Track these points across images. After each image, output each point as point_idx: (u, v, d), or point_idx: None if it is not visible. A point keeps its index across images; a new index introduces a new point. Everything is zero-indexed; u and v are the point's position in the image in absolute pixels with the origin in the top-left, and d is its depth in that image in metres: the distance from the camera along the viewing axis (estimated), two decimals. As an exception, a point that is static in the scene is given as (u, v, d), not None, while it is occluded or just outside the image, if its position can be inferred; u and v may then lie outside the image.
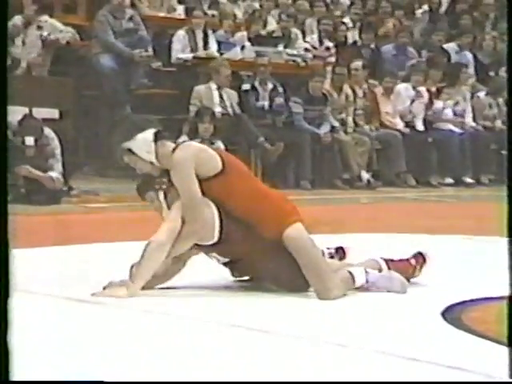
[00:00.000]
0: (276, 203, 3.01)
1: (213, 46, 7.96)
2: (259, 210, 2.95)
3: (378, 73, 8.74)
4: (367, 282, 3.02)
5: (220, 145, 6.54)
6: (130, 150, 2.96)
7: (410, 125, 8.71)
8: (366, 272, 3.04)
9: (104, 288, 2.90)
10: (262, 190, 3.05)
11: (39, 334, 2.37)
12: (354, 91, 8.38)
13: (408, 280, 3.15)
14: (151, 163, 2.96)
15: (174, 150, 2.94)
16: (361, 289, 3.02)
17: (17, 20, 6.68)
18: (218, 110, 7.21)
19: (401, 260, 3.25)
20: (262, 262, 2.96)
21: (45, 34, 6.69)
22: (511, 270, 1.22)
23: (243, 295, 2.99)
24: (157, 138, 2.95)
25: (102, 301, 2.80)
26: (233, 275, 3.12)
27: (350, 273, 3.01)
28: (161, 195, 2.98)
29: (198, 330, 2.51)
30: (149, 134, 2.95)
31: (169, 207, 2.97)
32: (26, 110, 5.96)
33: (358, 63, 8.43)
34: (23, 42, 6.65)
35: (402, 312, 2.82)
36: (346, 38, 9.21)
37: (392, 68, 9.05)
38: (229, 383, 1.97)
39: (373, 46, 9.26)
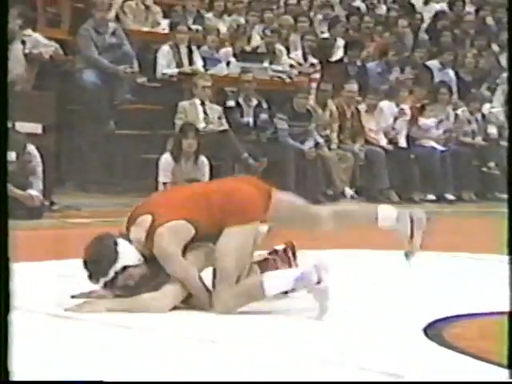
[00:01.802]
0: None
1: (198, 62, 7.99)
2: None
3: (362, 90, 8.80)
4: (292, 290, 2.91)
5: (204, 160, 6.55)
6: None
7: (393, 141, 8.77)
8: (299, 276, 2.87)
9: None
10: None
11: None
12: (343, 110, 8.43)
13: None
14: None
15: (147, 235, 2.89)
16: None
17: None
18: (202, 125, 7.22)
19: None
20: None
21: (28, 48, 6.66)
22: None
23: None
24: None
25: (87, 317, 2.79)
26: None
27: (261, 282, 2.88)
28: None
29: (181, 346, 2.50)
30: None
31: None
32: (8, 124, 5.92)
33: (353, 85, 8.47)
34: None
35: (383, 328, 2.82)
36: (331, 54, 9.26)
37: (376, 85, 9.12)
38: (226, 383, 1.96)
39: (359, 63, 9.32)
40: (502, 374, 1.95)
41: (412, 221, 3.10)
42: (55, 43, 6.88)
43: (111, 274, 2.88)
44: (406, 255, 3.09)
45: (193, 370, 2.21)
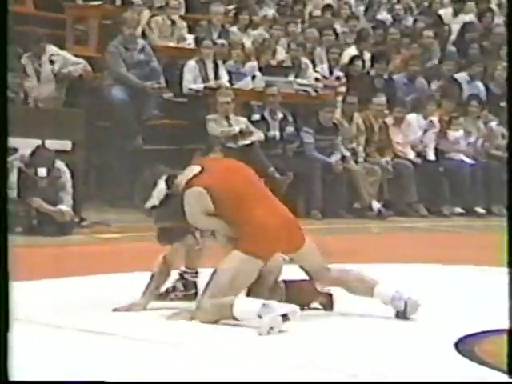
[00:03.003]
0: (251, 227, 3.18)
1: (223, 77, 8.06)
2: (238, 229, 3.20)
3: (389, 103, 8.80)
4: (259, 316, 3.02)
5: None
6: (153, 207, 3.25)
7: (421, 154, 8.75)
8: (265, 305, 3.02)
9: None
10: (244, 212, 3.20)
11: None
12: (370, 123, 8.44)
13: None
14: None
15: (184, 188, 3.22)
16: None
17: (24, 59, 6.78)
18: (236, 136, 7.28)
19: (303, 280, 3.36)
20: None
21: (57, 67, 6.79)
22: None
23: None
24: (168, 183, 3.25)
25: (106, 331, 2.84)
26: None
27: (232, 305, 3.07)
28: (196, 234, 3.31)
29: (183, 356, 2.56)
30: (161, 183, 3.24)
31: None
32: (38, 142, 6.06)
33: (381, 99, 8.50)
34: (38, 78, 6.76)
35: (415, 342, 2.84)
36: (357, 67, 9.27)
37: (403, 98, 9.12)
38: (229, 383, 1.99)
39: (386, 75, 9.33)
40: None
41: (406, 306, 3.23)
42: (83, 61, 7.02)
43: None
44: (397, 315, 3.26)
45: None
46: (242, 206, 3.18)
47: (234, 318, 3.05)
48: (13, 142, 6.06)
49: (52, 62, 6.78)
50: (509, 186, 1.25)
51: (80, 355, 2.56)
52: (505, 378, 2.23)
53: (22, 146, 6.02)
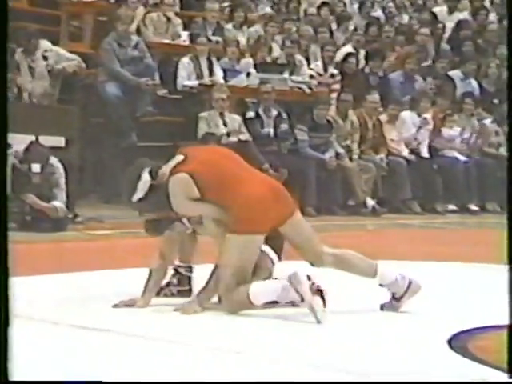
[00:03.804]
0: (242, 208, 3.16)
1: (218, 73, 8.07)
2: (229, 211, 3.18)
3: (383, 100, 8.81)
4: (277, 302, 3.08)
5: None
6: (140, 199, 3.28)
7: (415, 151, 8.76)
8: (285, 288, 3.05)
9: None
10: (232, 195, 3.19)
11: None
12: (364, 121, 8.45)
13: None
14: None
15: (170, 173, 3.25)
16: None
17: (17, 55, 6.76)
18: (222, 136, 7.28)
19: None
20: None
21: (50, 63, 6.77)
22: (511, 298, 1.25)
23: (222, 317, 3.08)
24: (152, 175, 3.26)
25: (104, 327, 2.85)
26: None
27: (248, 292, 3.09)
28: (184, 221, 3.31)
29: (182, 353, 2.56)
30: (145, 175, 3.26)
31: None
32: (32, 137, 6.04)
33: (375, 96, 8.51)
34: (32, 74, 6.74)
35: (407, 339, 2.85)
36: (351, 64, 9.27)
37: (398, 95, 9.13)
38: (229, 383, 1.99)
39: (381, 73, 9.33)
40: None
41: (409, 286, 3.22)
42: (77, 57, 6.99)
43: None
44: (383, 307, 3.25)
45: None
46: (229, 187, 3.18)
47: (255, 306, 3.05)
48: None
49: (45, 58, 6.75)
50: (509, 184, 1.25)
51: (76, 352, 2.55)
52: (502, 375, 2.22)
53: (16, 141, 6.00)
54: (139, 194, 3.24)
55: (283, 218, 3.20)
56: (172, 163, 3.24)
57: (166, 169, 3.24)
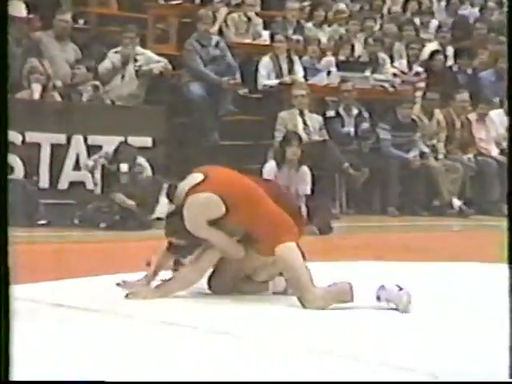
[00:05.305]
0: (273, 222, 3.44)
1: (299, 72, 8.43)
2: (257, 228, 3.43)
3: (473, 99, 8.92)
4: (378, 298, 3.35)
5: (305, 169, 6.91)
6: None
7: (505, 152, 8.80)
8: (382, 287, 3.36)
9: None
10: (262, 211, 3.44)
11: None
12: (452, 120, 8.58)
13: None
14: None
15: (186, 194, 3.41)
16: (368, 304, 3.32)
17: (116, 58, 7.35)
18: (302, 135, 7.61)
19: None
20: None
21: (137, 65, 7.34)
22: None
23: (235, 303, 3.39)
24: (169, 193, 3.51)
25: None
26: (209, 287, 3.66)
27: (351, 287, 3.37)
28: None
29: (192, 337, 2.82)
30: (163, 198, 3.52)
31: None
32: (121, 139, 6.56)
33: (465, 95, 8.64)
34: (123, 76, 7.31)
35: (412, 328, 3.08)
36: (438, 62, 9.41)
37: (488, 94, 9.20)
38: (229, 383, 2.17)
39: (469, 71, 9.43)
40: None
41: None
42: (164, 59, 7.54)
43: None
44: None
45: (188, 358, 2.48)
46: (258, 205, 3.41)
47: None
48: (97, 139, 6.65)
49: (136, 61, 7.34)
50: (509, 182, 1.46)
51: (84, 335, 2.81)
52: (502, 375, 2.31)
53: (106, 143, 6.53)
54: (157, 214, 3.47)
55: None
56: (191, 181, 3.39)
57: (183, 187, 3.39)
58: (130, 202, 6.12)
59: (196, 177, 3.42)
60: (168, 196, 3.46)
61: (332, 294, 3.36)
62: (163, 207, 3.55)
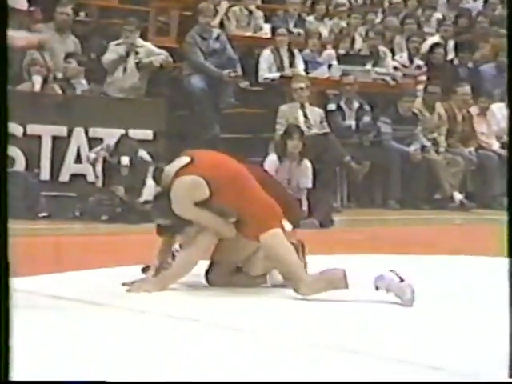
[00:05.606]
0: (259, 206, 3.43)
1: (299, 65, 8.46)
2: (243, 211, 3.44)
3: (474, 92, 8.93)
4: (377, 288, 3.34)
5: (307, 162, 6.92)
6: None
7: (506, 145, 8.82)
8: (381, 276, 3.35)
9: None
10: (247, 194, 3.45)
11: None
12: (453, 113, 8.59)
13: None
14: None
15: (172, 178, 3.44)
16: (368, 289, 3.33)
17: (120, 50, 7.35)
18: (303, 128, 7.61)
19: None
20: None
21: (138, 57, 7.35)
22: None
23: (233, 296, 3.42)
24: (155, 176, 3.53)
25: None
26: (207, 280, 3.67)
27: (344, 274, 3.36)
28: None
29: (194, 331, 2.83)
30: (149, 180, 3.52)
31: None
32: (122, 131, 6.57)
33: (466, 88, 8.65)
34: (124, 69, 7.32)
35: (414, 321, 3.08)
36: (439, 55, 9.42)
37: (490, 88, 9.21)
38: (228, 383, 2.14)
39: (470, 65, 9.43)
40: None
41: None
42: (165, 51, 7.54)
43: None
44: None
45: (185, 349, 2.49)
46: (244, 189, 3.42)
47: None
48: (98, 132, 6.66)
49: (137, 53, 7.34)
50: (509, 176, 1.46)
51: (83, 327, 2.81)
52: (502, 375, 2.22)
53: (107, 136, 6.54)
54: (145, 197, 3.48)
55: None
56: (177, 164, 3.42)
57: (170, 170, 3.42)
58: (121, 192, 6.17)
59: (183, 160, 3.46)
60: (154, 178, 3.51)
61: (324, 281, 3.36)
62: (150, 189, 3.49)
